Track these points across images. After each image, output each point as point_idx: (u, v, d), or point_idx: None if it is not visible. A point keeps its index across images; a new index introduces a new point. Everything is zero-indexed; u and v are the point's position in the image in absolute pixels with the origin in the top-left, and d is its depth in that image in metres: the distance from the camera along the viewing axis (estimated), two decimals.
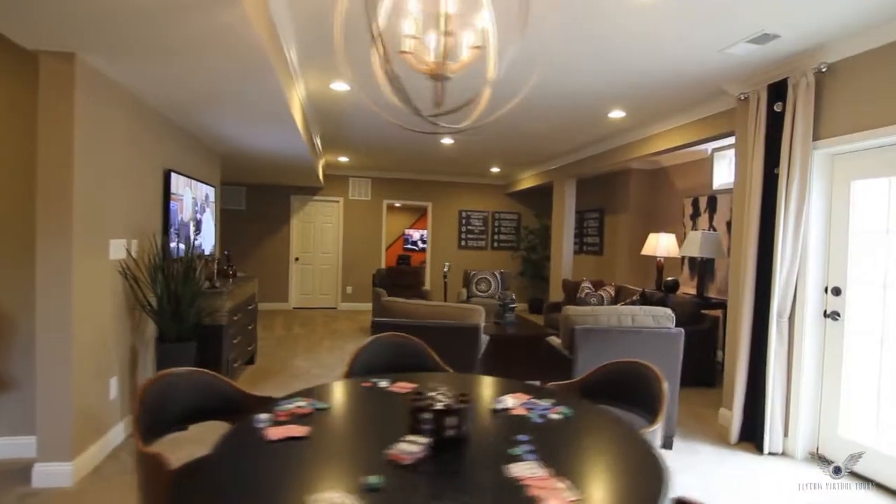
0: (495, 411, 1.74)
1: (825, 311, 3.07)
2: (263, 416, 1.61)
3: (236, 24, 2.07)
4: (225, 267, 4.88)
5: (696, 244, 5.13)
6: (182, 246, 3.93)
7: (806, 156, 3.00)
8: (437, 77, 1.51)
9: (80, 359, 2.62)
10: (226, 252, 5.01)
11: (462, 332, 3.09)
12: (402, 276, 7.06)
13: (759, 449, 3.18)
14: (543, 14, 2.66)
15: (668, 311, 3.26)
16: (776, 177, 3.15)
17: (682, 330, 3.19)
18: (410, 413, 1.49)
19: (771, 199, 3.20)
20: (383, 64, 1.31)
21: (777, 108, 3.17)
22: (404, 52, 1.41)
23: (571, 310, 3.27)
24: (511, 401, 1.82)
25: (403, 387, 2.01)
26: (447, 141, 5.95)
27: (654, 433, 1.77)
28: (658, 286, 5.89)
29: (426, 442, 1.41)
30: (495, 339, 4.54)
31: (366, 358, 2.45)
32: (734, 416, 3.32)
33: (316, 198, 8.75)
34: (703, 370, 4.59)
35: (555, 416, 1.69)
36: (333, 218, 8.86)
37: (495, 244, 9.50)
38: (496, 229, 9.50)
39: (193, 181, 4.33)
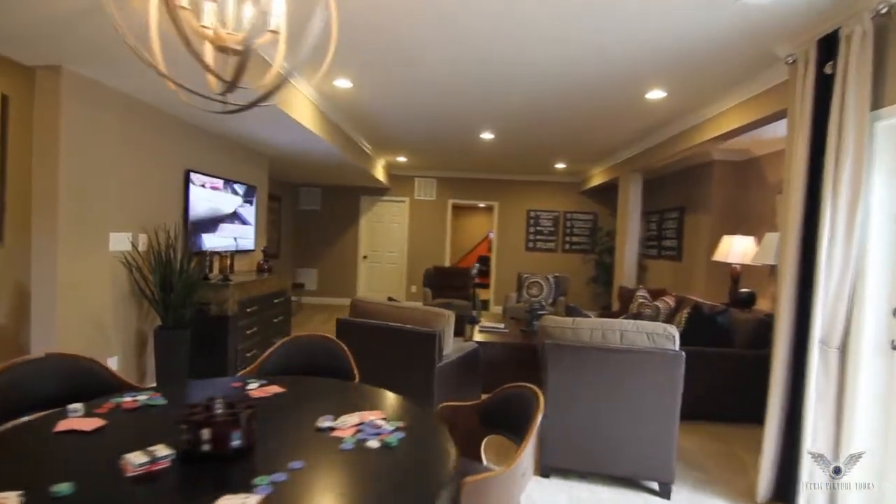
0: (318, 430, 1.53)
1: (894, 342, 2.25)
2: (78, 405, 1.60)
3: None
4: (260, 262, 5.19)
5: (771, 249, 4.19)
6: (214, 240, 4.25)
7: (862, 129, 2.23)
8: (224, 50, 1.36)
9: (69, 337, 2.92)
10: (263, 249, 5.32)
11: (419, 338, 2.85)
12: (449, 276, 6.89)
13: None
14: None
15: (669, 328, 2.66)
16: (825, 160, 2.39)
17: (683, 353, 2.58)
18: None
19: (817, 190, 2.44)
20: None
21: (827, 69, 2.41)
22: (181, 6, 1.27)
23: (549, 320, 2.83)
24: (348, 419, 1.59)
25: (268, 391, 1.88)
26: (487, 136, 5.65)
27: (511, 476, 1.42)
28: (732, 299, 4.94)
29: (167, 454, 1.27)
30: (495, 348, 4.17)
31: (280, 357, 2.36)
32: (762, 468, 2.60)
33: (384, 198, 8.97)
34: (761, 404, 3.71)
35: (372, 445, 1.43)
36: (400, 217, 9.00)
37: (566, 246, 8.84)
38: (568, 230, 8.84)
39: (225, 181, 4.66)
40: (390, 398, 1.84)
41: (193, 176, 4.11)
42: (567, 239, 8.86)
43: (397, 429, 1.54)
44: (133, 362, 3.51)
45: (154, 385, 2.04)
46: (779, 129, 3.89)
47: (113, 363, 3.31)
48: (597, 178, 7.68)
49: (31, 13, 2.23)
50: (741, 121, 3.61)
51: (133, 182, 3.46)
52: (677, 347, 2.63)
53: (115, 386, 1.95)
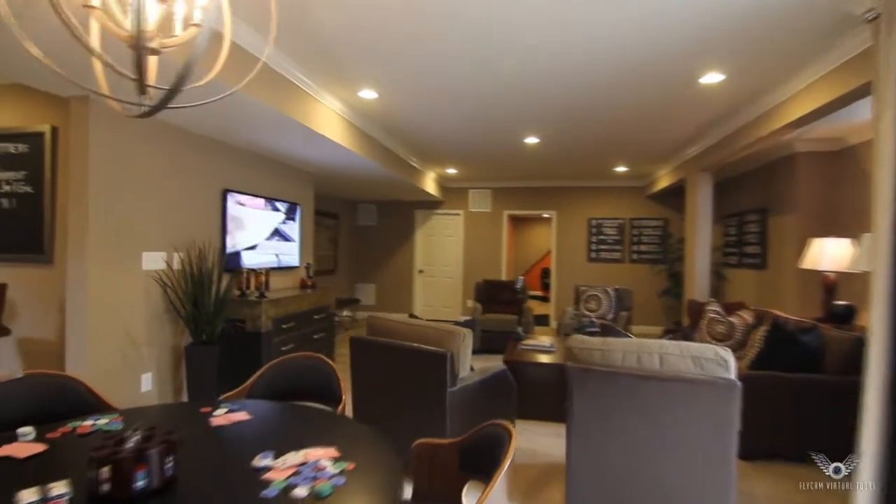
0: (253, 469, 1.34)
1: None
2: (28, 429, 1.54)
3: None
4: (304, 277, 5.24)
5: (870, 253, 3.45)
6: (254, 257, 4.32)
7: None
8: (137, 48, 1.25)
9: (101, 353, 3.04)
10: (307, 265, 5.37)
11: (427, 358, 2.60)
12: (498, 289, 6.55)
13: None
14: None
15: (721, 351, 2.19)
16: None
17: (738, 383, 2.11)
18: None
19: None
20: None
21: None
22: (90, 6, 1.19)
23: (575, 340, 2.47)
24: (291, 458, 1.39)
25: (230, 418, 1.74)
26: (531, 140, 5.33)
27: None
28: (826, 313, 4.17)
29: (63, 493, 1.14)
30: (536, 369, 3.80)
31: (271, 378, 2.24)
32: None
33: (438, 211, 8.87)
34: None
35: (299, 493, 1.22)
36: (455, 231, 8.83)
37: (634, 256, 8.15)
38: (635, 239, 8.15)
39: (266, 199, 4.76)
40: (358, 431, 1.62)
41: (230, 195, 4.22)
42: (634, 248, 8.17)
43: (342, 472, 1.32)
44: (168, 378, 3.60)
45: (181, 403, 1.98)
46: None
47: (147, 379, 3.41)
48: (663, 181, 7.01)
49: (55, 50, 2.33)
50: (817, 101, 3.02)
51: (167, 203, 3.58)
52: (732, 375, 2.16)
53: (95, 405, 1.91)
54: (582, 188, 8.31)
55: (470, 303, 8.70)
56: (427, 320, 3.01)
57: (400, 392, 2.73)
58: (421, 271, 8.97)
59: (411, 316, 3.32)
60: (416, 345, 2.67)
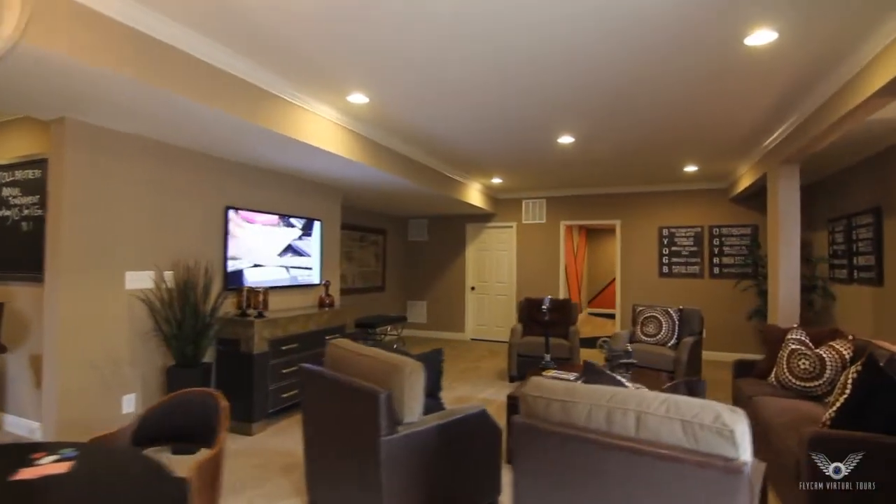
0: None
1: None
2: None
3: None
4: (322, 296, 5.05)
5: None
6: (261, 275, 4.21)
7: None
8: None
9: (75, 372, 3.02)
10: (325, 282, 5.17)
11: (359, 398, 2.15)
12: (540, 310, 5.85)
13: None
14: None
15: (726, 414, 1.49)
16: None
17: (747, 466, 1.40)
18: None
19: None
20: None
21: None
22: None
23: (532, 385, 1.89)
24: None
25: (46, 470, 1.45)
26: (566, 139, 4.68)
27: None
28: None
29: None
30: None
31: (165, 414, 1.96)
32: None
33: (489, 224, 8.36)
34: None
35: None
36: (508, 245, 8.24)
37: (715, 270, 6.95)
38: (716, 250, 6.96)
39: (278, 216, 4.65)
40: None
41: (234, 212, 4.14)
42: (715, 261, 6.98)
43: None
44: (156, 399, 3.52)
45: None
46: None
47: (130, 400, 3.35)
48: (745, 179, 5.88)
49: (27, 76, 2.31)
50: None
51: (157, 222, 3.54)
52: (741, 454, 1.45)
53: None
54: (649, 193, 7.33)
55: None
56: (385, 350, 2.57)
57: (336, 436, 2.32)
58: (473, 288, 8.49)
59: (397, 349, 2.89)
60: (351, 379, 2.24)
